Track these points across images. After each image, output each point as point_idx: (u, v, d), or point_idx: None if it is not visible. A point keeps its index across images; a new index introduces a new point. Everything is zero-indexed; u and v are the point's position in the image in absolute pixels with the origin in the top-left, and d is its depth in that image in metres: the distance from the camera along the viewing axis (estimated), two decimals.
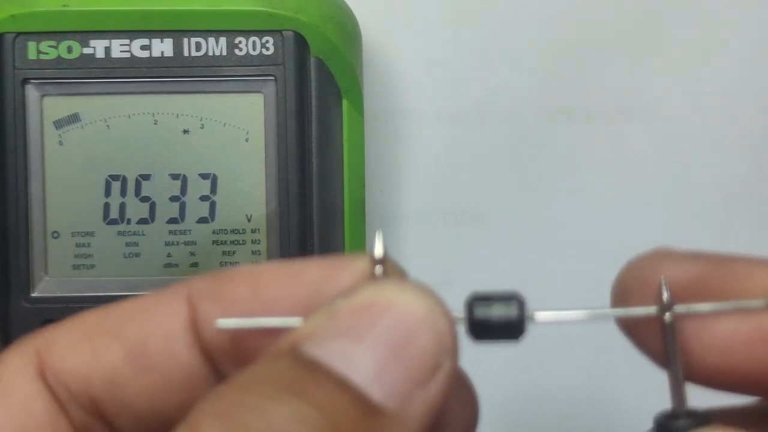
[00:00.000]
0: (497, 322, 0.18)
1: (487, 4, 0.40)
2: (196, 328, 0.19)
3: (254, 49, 0.34)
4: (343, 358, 0.16)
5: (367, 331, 0.17)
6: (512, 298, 0.18)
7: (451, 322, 0.17)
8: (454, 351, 0.17)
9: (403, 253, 0.41)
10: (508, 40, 0.41)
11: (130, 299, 0.20)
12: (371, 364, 0.16)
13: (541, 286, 0.42)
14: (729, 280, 0.19)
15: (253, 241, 0.35)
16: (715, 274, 0.19)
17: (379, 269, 0.18)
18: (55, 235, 0.35)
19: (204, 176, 0.35)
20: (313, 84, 0.35)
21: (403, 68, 0.41)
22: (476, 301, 0.18)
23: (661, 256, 0.19)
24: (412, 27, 0.41)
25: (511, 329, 0.18)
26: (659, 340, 0.19)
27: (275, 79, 0.35)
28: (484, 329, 0.18)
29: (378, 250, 0.18)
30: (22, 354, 0.19)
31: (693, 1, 0.41)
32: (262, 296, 0.19)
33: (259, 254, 0.35)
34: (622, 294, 0.20)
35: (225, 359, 0.19)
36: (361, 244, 0.36)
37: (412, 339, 0.17)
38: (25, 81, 0.34)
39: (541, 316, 0.18)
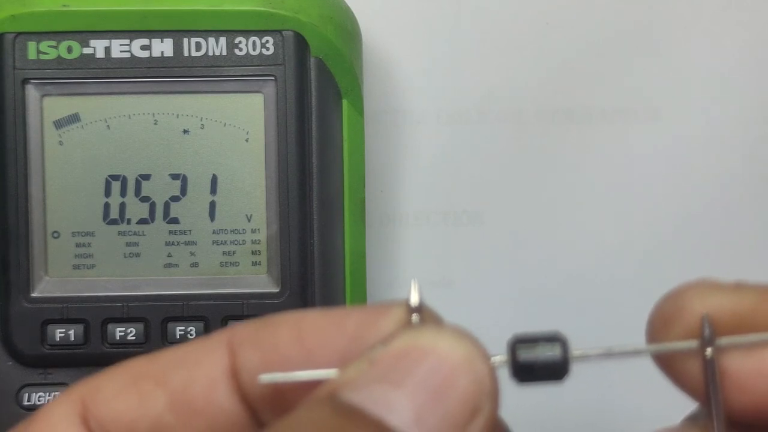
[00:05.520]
0: (542, 364, 0.18)
1: (487, 4, 0.40)
2: (236, 375, 0.19)
3: (254, 49, 0.34)
4: (382, 403, 0.16)
5: (405, 376, 0.17)
6: (556, 339, 0.18)
7: (490, 366, 0.17)
8: (493, 394, 0.17)
9: (403, 253, 0.41)
10: (508, 40, 0.41)
11: (174, 347, 0.20)
12: (410, 409, 0.16)
13: (541, 286, 0.42)
14: None
15: (253, 241, 0.35)
16: (760, 306, 0.18)
17: (415, 317, 0.18)
18: (55, 235, 0.35)
19: (204, 176, 0.35)
20: (313, 84, 0.35)
21: (403, 68, 0.41)
22: (519, 343, 0.18)
23: (701, 287, 0.19)
24: (412, 27, 0.40)
25: (555, 371, 0.18)
26: (698, 376, 0.18)
27: (275, 79, 0.35)
28: (528, 372, 0.18)
29: (414, 299, 0.18)
30: (67, 401, 0.19)
31: (693, 1, 0.41)
32: (305, 344, 0.19)
33: (259, 254, 0.35)
34: (660, 326, 0.19)
35: (265, 406, 0.19)
36: (361, 244, 0.36)
37: (451, 383, 0.17)
38: (25, 81, 0.34)
39: (585, 355, 0.18)
